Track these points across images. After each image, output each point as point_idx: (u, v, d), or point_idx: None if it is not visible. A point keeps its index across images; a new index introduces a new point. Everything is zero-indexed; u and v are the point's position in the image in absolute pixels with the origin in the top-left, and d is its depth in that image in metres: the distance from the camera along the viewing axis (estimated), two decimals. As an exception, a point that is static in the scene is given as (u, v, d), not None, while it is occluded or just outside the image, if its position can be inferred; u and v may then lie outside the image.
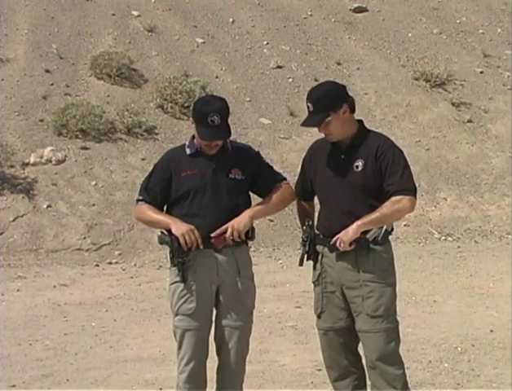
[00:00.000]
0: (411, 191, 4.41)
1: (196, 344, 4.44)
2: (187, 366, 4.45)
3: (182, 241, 4.32)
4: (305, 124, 4.57)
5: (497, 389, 5.93)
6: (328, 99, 4.43)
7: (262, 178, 4.54)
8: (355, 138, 4.49)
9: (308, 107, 4.47)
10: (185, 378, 4.45)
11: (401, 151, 4.51)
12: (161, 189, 4.49)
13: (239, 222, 4.38)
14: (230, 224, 4.36)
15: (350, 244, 4.35)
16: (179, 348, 4.49)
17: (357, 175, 4.42)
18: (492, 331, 7.54)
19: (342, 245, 4.35)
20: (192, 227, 4.34)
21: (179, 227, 4.34)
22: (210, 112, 4.36)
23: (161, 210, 4.54)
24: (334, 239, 4.39)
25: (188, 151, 4.50)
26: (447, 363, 6.56)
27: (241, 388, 4.58)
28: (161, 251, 11.79)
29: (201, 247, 4.35)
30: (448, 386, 6.02)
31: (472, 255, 11.96)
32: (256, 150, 4.71)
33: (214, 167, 4.43)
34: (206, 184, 4.43)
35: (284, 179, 4.60)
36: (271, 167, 4.62)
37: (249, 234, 4.53)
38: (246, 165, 4.51)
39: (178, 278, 4.44)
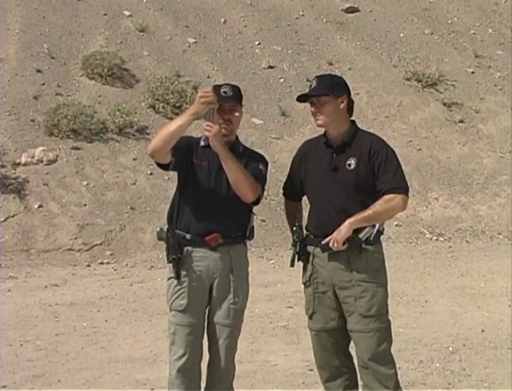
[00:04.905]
0: (403, 189, 4.43)
1: (188, 341, 4.44)
2: (178, 362, 4.45)
3: (209, 105, 4.30)
4: (304, 94, 4.56)
5: (488, 389, 5.94)
6: (333, 81, 4.55)
7: None
8: (347, 136, 4.51)
9: (311, 85, 4.52)
10: (175, 373, 4.45)
11: (393, 151, 4.54)
12: (184, 151, 4.49)
13: None
14: None
15: (344, 244, 4.35)
16: (172, 343, 4.50)
17: (350, 173, 4.44)
18: (483, 330, 7.56)
19: (335, 245, 4.35)
20: (201, 93, 4.32)
21: (196, 106, 4.32)
22: (223, 85, 4.55)
23: (178, 164, 4.50)
24: (327, 238, 4.38)
25: (202, 143, 4.55)
26: (438, 363, 6.57)
27: (231, 386, 4.58)
28: (153, 251, 11.80)
29: (216, 103, 4.32)
30: (440, 386, 6.02)
31: (463, 255, 11.99)
32: (266, 161, 4.66)
33: (219, 164, 4.44)
34: (210, 179, 4.47)
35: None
36: (262, 181, 4.54)
37: (247, 233, 4.55)
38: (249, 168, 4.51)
39: (172, 275, 4.48)
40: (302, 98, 4.56)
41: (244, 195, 4.41)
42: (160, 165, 4.55)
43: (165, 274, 4.77)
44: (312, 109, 4.49)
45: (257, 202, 4.50)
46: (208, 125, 4.35)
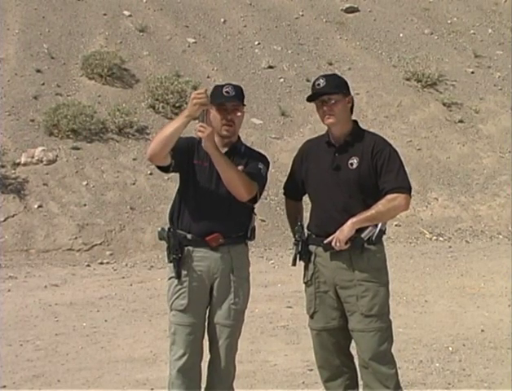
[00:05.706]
0: (406, 189, 4.43)
1: (188, 341, 4.44)
2: (179, 362, 4.44)
3: (202, 106, 4.26)
4: (316, 92, 4.47)
5: (488, 389, 5.94)
6: (340, 81, 4.55)
7: None
8: (349, 135, 4.50)
9: (318, 85, 4.46)
10: (175, 373, 4.44)
11: (396, 151, 4.54)
12: (184, 152, 4.47)
13: None
14: None
15: (346, 243, 4.35)
16: (172, 343, 4.50)
17: (352, 172, 4.43)
18: (482, 330, 7.56)
19: (338, 244, 4.35)
20: (194, 95, 4.27)
21: (189, 107, 4.28)
22: (225, 85, 4.53)
23: (177, 165, 4.47)
24: (330, 238, 4.38)
25: (203, 143, 4.51)
26: (438, 363, 6.57)
27: (231, 386, 4.58)
28: (153, 251, 11.79)
29: (209, 102, 4.29)
30: (439, 386, 6.02)
31: (463, 255, 11.99)
32: (268, 161, 4.63)
33: None
34: (211, 179, 4.46)
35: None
36: (260, 180, 4.51)
37: (248, 234, 4.54)
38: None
39: (173, 274, 4.47)
40: (311, 97, 4.53)
41: (238, 193, 4.38)
42: (160, 168, 4.54)
43: (165, 274, 4.77)
44: (325, 108, 4.44)
45: (253, 200, 4.49)
46: (201, 126, 4.31)
